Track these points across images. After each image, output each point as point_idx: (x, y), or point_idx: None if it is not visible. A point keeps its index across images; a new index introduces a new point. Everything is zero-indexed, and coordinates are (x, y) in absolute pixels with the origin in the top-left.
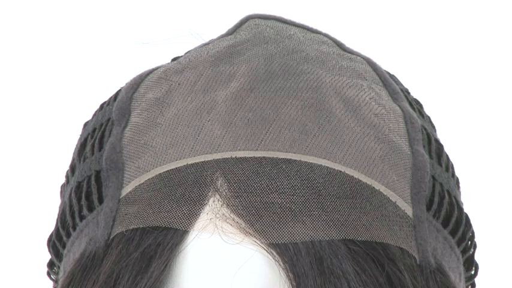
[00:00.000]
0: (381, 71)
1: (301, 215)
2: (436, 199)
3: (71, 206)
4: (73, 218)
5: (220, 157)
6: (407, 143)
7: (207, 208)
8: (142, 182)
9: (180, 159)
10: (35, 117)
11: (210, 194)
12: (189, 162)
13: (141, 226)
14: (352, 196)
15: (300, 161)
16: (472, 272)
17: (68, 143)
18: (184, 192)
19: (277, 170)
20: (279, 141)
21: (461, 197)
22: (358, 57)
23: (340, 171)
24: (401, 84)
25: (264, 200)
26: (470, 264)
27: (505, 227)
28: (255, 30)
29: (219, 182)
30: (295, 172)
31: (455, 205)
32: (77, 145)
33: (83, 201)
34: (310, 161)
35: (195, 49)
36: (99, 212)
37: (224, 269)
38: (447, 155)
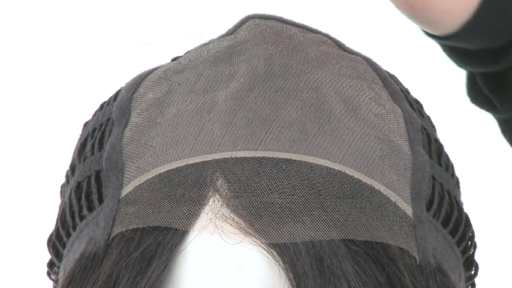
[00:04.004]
0: (380, 71)
1: (301, 215)
2: (436, 199)
3: (71, 206)
4: (73, 218)
5: (220, 157)
6: (407, 143)
7: (207, 208)
8: (142, 182)
9: (180, 159)
10: (35, 117)
11: (210, 194)
12: (189, 162)
13: (141, 226)
14: (352, 196)
15: (300, 161)
16: (472, 272)
17: (68, 143)
18: (184, 192)
19: (277, 170)
20: (279, 141)
21: (461, 197)
22: (358, 57)
23: (340, 171)
24: (402, 84)
25: (264, 200)
26: (470, 264)
27: (505, 227)
28: (255, 30)
29: (219, 182)
30: (295, 172)
31: (455, 205)
32: (77, 145)
33: (83, 201)
34: (310, 161)
35: (195, 49)
36: (99, 212)
37: (224, 269)
38: (447, 155)
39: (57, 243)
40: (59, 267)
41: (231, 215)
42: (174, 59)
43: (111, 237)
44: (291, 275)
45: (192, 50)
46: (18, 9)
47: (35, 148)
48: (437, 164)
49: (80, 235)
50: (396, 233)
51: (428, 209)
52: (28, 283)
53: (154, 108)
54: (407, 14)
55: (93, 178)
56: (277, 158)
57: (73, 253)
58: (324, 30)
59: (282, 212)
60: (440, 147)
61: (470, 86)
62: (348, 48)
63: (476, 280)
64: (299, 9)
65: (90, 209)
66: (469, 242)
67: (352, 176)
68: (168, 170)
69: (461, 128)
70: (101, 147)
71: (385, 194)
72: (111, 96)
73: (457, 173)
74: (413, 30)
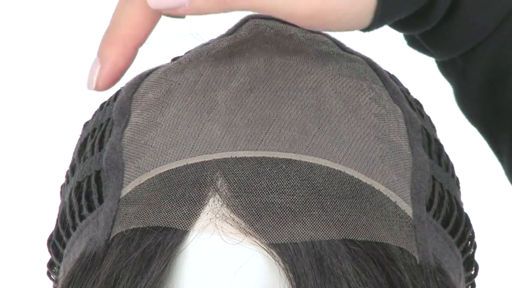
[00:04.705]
0: (380, 71)
1: (301, 215)
2: (436, 199)
3: (71, 206)
4: (73, 218)
5: (220, 157)
6: (407, 143)
7: (207, 208)
8: (142, 182)
9: (180, 159)
10: (35, 117)
11: (210, 194)
12: (189, 162)
13: (141, 226)
14: (352, 196)
15: (300, 161)
16: (472, 272)
17: (68, 143)
18: (184, 192)
19: (277, 170)
20: (279, 141)
21: (461, 197)
22: (358, 57)
23: (340, 171)
24: (402, 84)
25: (264, 200)
26: (470, 264)
27: (505, 227)
28: (255, 30)
29: (219, 182)
30: (295, 172)
31: (455, 205)
32: (77, 145)
33: (83, 201)
34: (310, 161)
35: (195, 49)
36: (99, 212)
37: (224, 269)
38: (447, 155)
39: (57, 243)
40: (59, 267)
41: (231, 215)
42: (174, 59)
43: (111, 237)
44: (291, 275)
45: (192, 50)
46: (18, 9)
47: (35, 148)
48: (437, 164)
49: (80, 235)
50: (396, 233)
51: (428, 209)
52: (28, 283)
53: (154, 108)
54: (313, 27)
55: (93, 178)
56: (277, 158)
57: (73, 253)
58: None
59: (282, 212)
60: (440, 147)
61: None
62: (348, 48)
63: (476, 280)
64: None
65: (90, 209)
66: (469, 242)
67: (352, 176)
68: (168, 170)
69: (461, 128)
70: (101, 147)
71: (385, 194)
72: (111, 96)
73: (457, 173)
74: None
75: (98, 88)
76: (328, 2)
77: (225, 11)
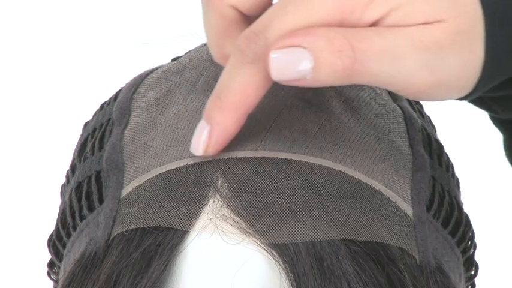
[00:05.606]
0: None
1: (302, 215)
2: (437, 199)
3: (71, 206)
4: (73, 218)
5: (221, 157)
6: (407, 143)
7: (207, 208)
8: (142, 182)
9: (180, 159)
10: (35, 117)
11: (210, 194)
12: (189, 162)
13: (141, 226)
14: (352, 196)
15: (300, 161)
16: (472, 272)
17: (68, 143)
18: (185, 192)
19: (278, 170)
20: (279, 142)
21: (461, 197)
22: None
23: (341, 172)
24: None
25: (264, 200)
26: (470, 265)
27: (505, 227)
28: None
29: (219, 182)
30: (295, 172)
31: (456, 205)
32: (77, 145)
33: (83, 202)
34: (311, 161)
35: (195, 49)
36: (99, 212)
37: (224, 269)
38: (447, 155)
39: (57, 243)
40: (59, 267)
41: (231, 215)
42: (174, 59)
43: (111, 237)
44: (291, 275)
45: (192, 50)
46: (18, 9)
47: (35, 148)
48: (438, 165)
49: (80, 235)
50: (396, 233)
51: (429, 209)
52: (28, 283)
53: (154, 108)
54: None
55: (93, 178)
56: (277, 158)
57: (73, 253)
58: None
59: (282, 212)
60: (440, 147)
61: None
62: None
63: (476, 280)
64: None
65: (91, 209)
66: (469, 242)
67: (352, 176)
68: (168, 170)
69: (461, 128)
70: (101, 148)
71: (386, 194)
72: (111, 97)
73: (457, 173)
74: None
75: (207, 153)
76: (440, 80)
77: (347, 83)
